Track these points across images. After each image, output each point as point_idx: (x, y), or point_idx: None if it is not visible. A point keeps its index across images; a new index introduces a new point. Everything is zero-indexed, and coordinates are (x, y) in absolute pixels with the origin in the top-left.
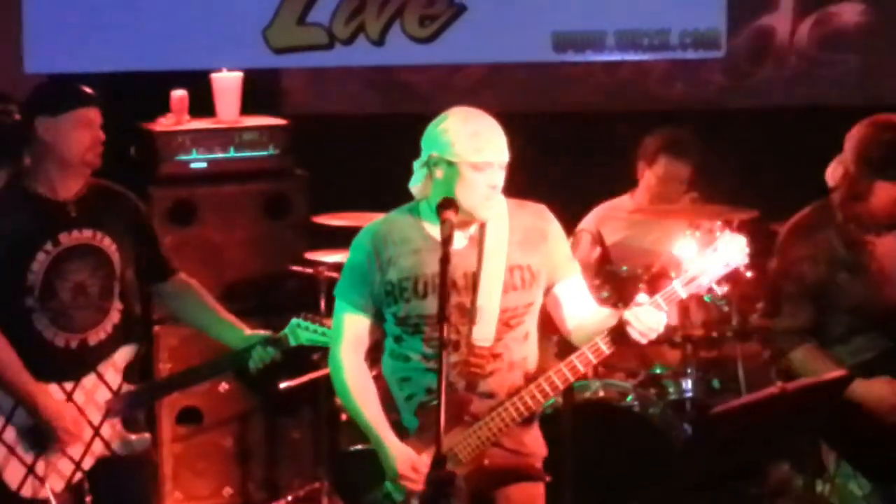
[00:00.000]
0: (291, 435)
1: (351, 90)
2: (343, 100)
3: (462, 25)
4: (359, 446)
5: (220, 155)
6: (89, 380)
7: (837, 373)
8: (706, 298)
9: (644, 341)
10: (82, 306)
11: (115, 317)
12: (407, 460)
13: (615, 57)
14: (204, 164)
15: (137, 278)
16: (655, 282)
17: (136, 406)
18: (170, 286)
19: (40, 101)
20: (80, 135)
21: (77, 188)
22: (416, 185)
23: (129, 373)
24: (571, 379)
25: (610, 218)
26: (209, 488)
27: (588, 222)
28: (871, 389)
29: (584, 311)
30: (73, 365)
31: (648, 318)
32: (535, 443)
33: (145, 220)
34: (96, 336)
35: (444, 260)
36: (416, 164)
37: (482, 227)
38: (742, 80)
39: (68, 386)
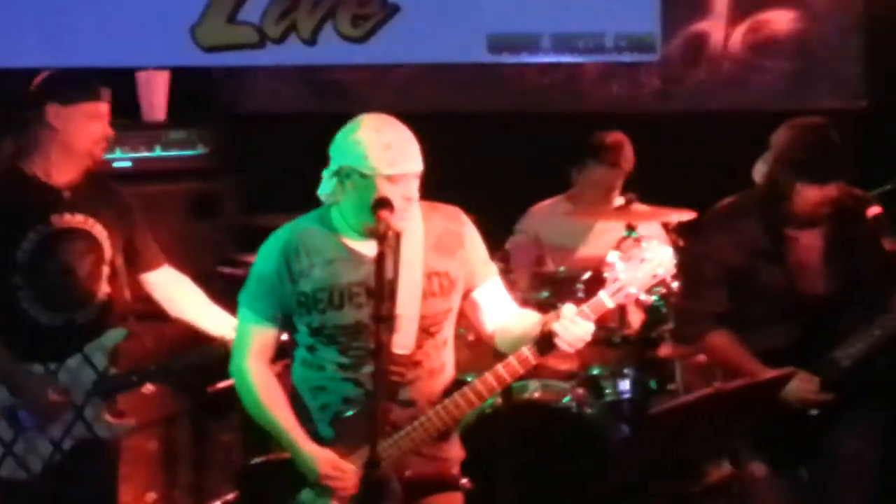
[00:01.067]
0: (220, 438)
1: (282, 89)
2: (274, 99)
3: (396, 26)
4: (264, 458)
5: (145, 154)
6: (74, 360)
7: (774, 372)
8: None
9: (571, 351)
10: (69, 287)
11: (103, 299)
12: (329, 460)
13: (550, 59)
14: (128, 164)
15: (126, 267)
16: (593, 283)
17: (120, 390)
18: (159, 277)
19: (54, 89)
20: (92, 127)
21: (73, 175)
22: (325, 193)
23: (115, 356)
24: (497, 388)
25: (546, 219)
26: (132, 494)
27: (524, 223)
28: None
29: (503, 315)
30: (59, 344)
31: (576, 329)
32: (452, 447)
33: (135, 212)
34: (83, 316)
35: (380, 258)
36: (326, 173)
37: (397, 234)
38: (676, 84)
39: (52, 366)
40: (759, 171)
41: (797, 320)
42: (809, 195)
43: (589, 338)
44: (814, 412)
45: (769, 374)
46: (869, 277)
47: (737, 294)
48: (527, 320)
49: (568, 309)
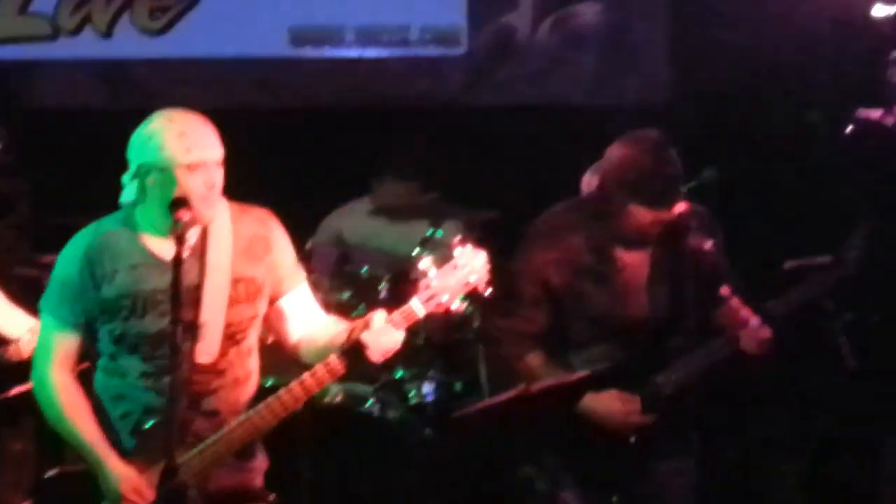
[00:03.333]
0: (12, 447)
1: (78, 84)
2: (69, 94)
3: (195, 18)
4: (60, 469)
5: None
6: None
7: (580, 374)
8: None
9: (381, 360)
10: None
11: None
12: (130, 480)
13: (354, 53)
14: None
15: None
16: (397, 284)
17: None
18: None
19: None
20: None
21: None
22: (129, 200)
23: None
24: (303, 398)
25: (350, 218)
26: None
27: (327, 222)
28: (601, 402)
29: (310, 324)
30: None
31: (386, 339)
32: (256, 457)
33: None
34: None
35: (177, 260)
36: (126, 178)
37: (204, 237)
38: (483, 78)
39: None
40: (589, 181)
41: (621, 342)
42: (641, 217)
43: (399, 347)
44: (632, 438)
45: (574, 375)
46: (694, 297)
47: (559, 313)
48: (332, 329)
49: (377, 317)
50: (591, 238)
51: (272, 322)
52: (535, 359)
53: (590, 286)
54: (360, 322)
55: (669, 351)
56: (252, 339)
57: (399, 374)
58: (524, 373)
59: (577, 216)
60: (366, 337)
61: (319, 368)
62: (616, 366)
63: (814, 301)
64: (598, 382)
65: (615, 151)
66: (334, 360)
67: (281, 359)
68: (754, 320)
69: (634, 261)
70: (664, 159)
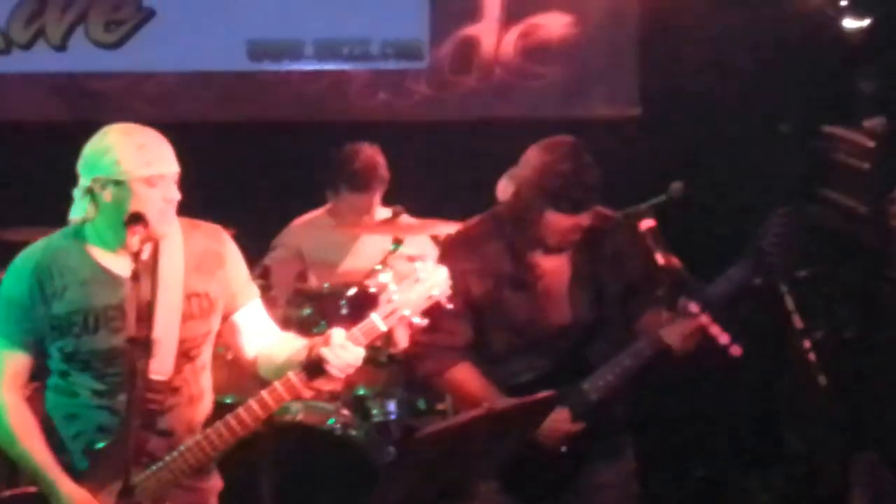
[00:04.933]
0: None
1: (32, 97)
2: (23, 107)
3: (151, 31)
4: (12, 492)
5: None
6: None
7: (544, 393)
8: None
9: (342, 376)
10: None
11: None
12: (83, 502)
13: (313, 66)
14: None
15: None
16: (358, 299)
17: None
18: None
19: None
20: None
21: None
22: (78, 216)
23: None
24: (262, 415)
25: (309, 233)
26: None
27: (285, 238)
28: None
29: (265, 339)
30: None
31: (347, 354)
32: (210, 477)
33: None
34: None
35: (134, 276)
36: (77, 193)
37: (155, 252)
38: (446, 91)
39: None
40: (504, 188)
41: (545, 351)
42: (559, 223)
43: (360, 363)
44: (563, 448)
45: (539, 395)
46: (616, 302)
47: (482, 324)
48: (291, 345)
49: (337, 333)
50: (509, 246)
51: (227, 338)
52: (460, 372)
53: (510, 294)
54: (320, 338)
55: (593, 356)
56: (206, 356)
57: (361, 391)
58: (449, 388)
59: (494, 225)
60: (326, 353)
61: (278, 385)
62: (541, 376)
63: (741, 288)
64: (524, 392)
65: (532, 158)
66: (293, 376)
67: (241, 375)
68: (715, 328)
69: (554, 267)
70: (582, 165)
